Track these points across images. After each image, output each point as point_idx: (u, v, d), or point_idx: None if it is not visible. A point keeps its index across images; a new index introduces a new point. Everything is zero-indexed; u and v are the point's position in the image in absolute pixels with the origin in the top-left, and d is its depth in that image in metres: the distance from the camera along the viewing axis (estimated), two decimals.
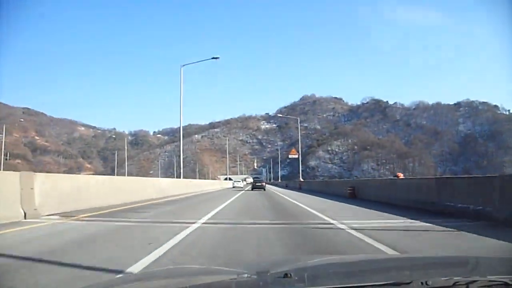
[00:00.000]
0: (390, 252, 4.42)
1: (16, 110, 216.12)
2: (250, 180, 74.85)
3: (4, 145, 66.73)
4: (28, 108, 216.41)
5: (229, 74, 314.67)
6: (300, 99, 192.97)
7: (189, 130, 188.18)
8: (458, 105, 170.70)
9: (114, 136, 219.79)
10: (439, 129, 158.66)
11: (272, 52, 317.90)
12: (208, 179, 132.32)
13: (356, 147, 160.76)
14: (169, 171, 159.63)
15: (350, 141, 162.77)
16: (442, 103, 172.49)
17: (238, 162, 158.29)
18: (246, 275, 1.46)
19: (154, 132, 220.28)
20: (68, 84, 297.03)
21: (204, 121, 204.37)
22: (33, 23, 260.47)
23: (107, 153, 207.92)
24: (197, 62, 27.36)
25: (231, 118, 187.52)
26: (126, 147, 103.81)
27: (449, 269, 1.58)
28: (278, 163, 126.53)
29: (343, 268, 1.75)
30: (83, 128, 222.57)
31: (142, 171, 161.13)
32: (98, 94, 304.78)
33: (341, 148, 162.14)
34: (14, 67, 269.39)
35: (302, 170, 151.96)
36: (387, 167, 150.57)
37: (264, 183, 32.87)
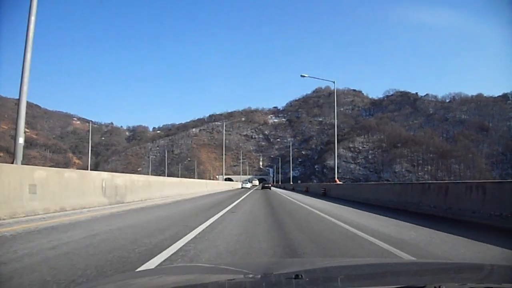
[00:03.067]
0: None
1: (8, 101, 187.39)
2: (256, 182, 77.27)
3: None
4: None
5: (233, 64, 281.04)
6: (313, 91, 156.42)
7: (187, 124, 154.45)
8: (504, 97, 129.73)
9: (110, 130, 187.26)
10: (488, 124, 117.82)
11: (280, 41, 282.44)
12: (205, 179, 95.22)
13: (384, 144, 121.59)
14: (159, 169, 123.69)
15: (375, 137, 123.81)
16: (484, 95, 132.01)
17: (241, 161, 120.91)
18: (257, 275, 1.36)
19: (154, 128, 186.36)
20: (66, 76, 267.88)
21: (203, 114, 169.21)
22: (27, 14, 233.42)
23: (100, 148, 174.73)
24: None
25: (235, 111, 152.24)
26: (90, 138, 66.16)
27: (462, 275, 1.43)
28: (290, 162, 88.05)
29: (354, 270, 1.60)
30: (78, 122, 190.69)
31: (129, 168, 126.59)
32: (97, 88, 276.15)
33: (365, 146, 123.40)
34: (11, 58, 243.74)
35: (317, 171, 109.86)
36: (426, 168, 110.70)
37: (270, 185, 45.12)
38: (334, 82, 23.97)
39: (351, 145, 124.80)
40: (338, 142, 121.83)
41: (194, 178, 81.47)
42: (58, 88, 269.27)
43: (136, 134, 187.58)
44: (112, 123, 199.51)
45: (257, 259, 3.46)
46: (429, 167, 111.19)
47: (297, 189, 36.06)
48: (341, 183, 22.60)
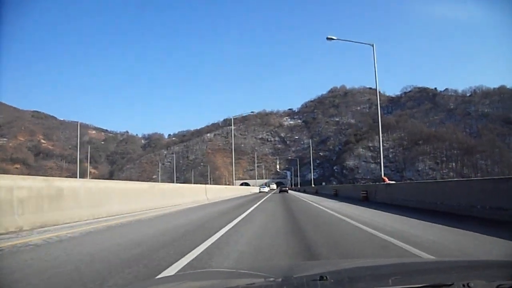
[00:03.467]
0: None
1: (25, 113, 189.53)
2: (274, 186, 76.84)
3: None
4: (38, 111, 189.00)
5: (246, 67, 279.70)
6: (329, 91, 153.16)
7: (201, 130, 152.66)
8: None
9: (125, 138, 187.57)
10: None
11: (294, 42, 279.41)
12: (221, 184, 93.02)
13: (405, 142, 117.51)
14: (174, 176, 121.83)
15: (395, 135, 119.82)
16: (508, 86, 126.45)
17: (257, 164, 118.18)
18: (278, 279, 1.35)
19: (169, 135, 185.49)
20: (81, 86, 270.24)
21: (218, 119, 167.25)
22: (45, 26, 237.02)
23: (116, 157, 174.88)
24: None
25: (250, 114, 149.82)
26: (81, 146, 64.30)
27: (490, 272, 1.39)
28: (310, 162, 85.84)
29: (378, 270, 1.55)
30: (94, 132, 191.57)
31: (144, 176, 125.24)
32: (112, 97, 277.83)
33: (385, 144, 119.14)
34: (25, 70, 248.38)
35: (336, 172, 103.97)
36: (450, 165, 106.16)
37: (287, 188, 48.27)
38: (373, 46, 18.84)
39: (370, 144, 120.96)
40: (356, 141, 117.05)
41: (208, 183, 77.45)
42: (74, 99, 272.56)
43: (152, 142, 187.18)
44: (127, 132, 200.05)
45: (279, 262, 3.37)
46: (454, 164, 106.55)
47: (322, 193, 29.28)
48: (392, 182, 16.57)
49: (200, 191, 17.37)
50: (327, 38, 19.12)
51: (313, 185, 53.29)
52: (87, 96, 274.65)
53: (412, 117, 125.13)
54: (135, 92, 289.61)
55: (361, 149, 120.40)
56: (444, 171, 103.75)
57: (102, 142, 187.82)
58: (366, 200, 14.81)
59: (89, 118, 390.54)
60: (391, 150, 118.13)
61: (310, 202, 15.63)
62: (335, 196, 21.85)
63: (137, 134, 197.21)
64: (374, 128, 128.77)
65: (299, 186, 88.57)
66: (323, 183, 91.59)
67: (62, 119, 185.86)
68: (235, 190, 30.72)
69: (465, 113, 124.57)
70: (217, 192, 21.46)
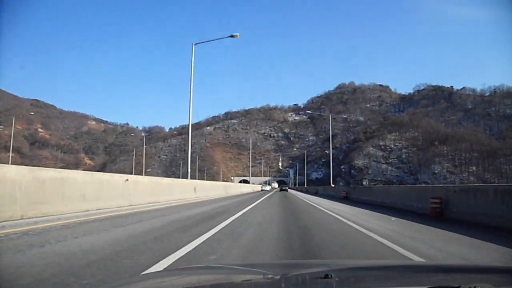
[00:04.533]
0: None
1: (24, 101, 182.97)
2: (275, 185, 74.37)
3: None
4: (37, 100, 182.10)
5: (250, 61, 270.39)
6: (336, 87, 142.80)
7: (201, 123, 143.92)
8: None
9: (125, 130, 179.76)
10: None
11: (298, 37, 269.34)
12: (217, 180, 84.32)
13: (419, 142, 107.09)
14: (170, 170, 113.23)
15: (408, 134, 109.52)
16: None
17: (258, 161, 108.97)
18: (285, 275, 1.28)
19: (170, 128, 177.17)
20: (83, 77, 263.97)
21: (219, 112, 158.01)
22: (46, 16, 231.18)
23: (114, 148, 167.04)
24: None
25: (253, 108, 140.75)
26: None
27: (496, 277, 1.33)
28: (330, 159, 75.90)
29: (383, 272, 1.47)
30: (94, 123, 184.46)
31: (137, 169, 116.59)
32: (114, 89, 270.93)
33: (398, 144, 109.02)
34: (26, 59, 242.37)
35: (344, 172, 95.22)
36: (470, 169, 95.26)
37: (287, 187, 48.92)
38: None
39: (381, 143, 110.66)
40: (366, 139, 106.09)
41: (205, 179, 72.32)
42: (76, 89, 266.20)
43: (152, 135, 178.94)
44: (127, 124, 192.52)
45: (278, 260, 3.11)
46: (474, 167, 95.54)
47: (328, 194, 24.15)
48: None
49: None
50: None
51: (332, 185, 48.49)
52: (89, 87, 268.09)
53: (426, 116, 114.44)
54: (137, 84, 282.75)
55: (371, 148, 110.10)
56: (464, 175, 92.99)
57: (103, 132, 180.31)
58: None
59: (89, 109, 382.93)
60: (404, 150, 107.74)
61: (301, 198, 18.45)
62: (345, 198, 20.53)
63: (137, 127, 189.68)
64: (385, 126, 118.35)
65: (305, 185, 79.10)
66: (340, 183, 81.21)
67: (61, 108, 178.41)
68: (242, 188, 30.74)
69: (484, 114, 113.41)
70: (209, 190, 18.92)
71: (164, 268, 2.77)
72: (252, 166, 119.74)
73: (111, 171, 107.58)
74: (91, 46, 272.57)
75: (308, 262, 2.62)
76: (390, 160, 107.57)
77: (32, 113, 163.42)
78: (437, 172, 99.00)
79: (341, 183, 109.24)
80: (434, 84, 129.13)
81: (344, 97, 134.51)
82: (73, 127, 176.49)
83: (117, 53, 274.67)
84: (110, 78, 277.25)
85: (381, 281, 1.25)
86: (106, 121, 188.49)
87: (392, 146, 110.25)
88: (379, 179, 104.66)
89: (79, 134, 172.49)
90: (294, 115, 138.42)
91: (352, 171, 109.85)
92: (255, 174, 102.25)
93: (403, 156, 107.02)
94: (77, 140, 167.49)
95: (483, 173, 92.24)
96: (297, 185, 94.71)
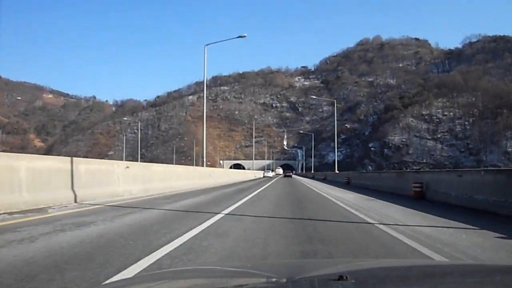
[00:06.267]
0: None
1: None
2: (280, 171, 63.26)
3: None
4: None
5: (246, 12, 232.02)
6: (357, 44, 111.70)
7: (181, 90, 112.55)
8: None
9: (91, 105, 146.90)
10: None
11: None
12: (201, 166, 51.61)
13: (476, 110, 78.01)
14: (137, 152, 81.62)
15: (462, 99, 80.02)
16: None
17: (257, 140, 78.89)
18: (291, 278, 1.15)
19: (146, 100, 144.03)
20: (38, 41, 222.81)
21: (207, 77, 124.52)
22: None
23: (75, 127, 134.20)
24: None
25: (249, 71, 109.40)
26: None
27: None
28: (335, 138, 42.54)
29: (398, 271, 1.34)
30: (50, 96, 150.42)
31: (95, 151, 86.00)
32: (77, 55, 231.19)
33: (448, 113, 79.51)
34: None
35: (373, 151, 68.23)
36: None
37: (291, 173, 49.49)
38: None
39: (425, 112, 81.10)
40: (404, 107, 70.56)
41: (187, 164, 57.93)
42: (28, 55, 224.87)
43: (126, 110, 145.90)
44: (94, 97, 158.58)
45: (283, 260, 2.70)
46: None
47: (336, 181, 22.02)
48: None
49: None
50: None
51: (337, 171, 30.44)
52: (45, 53, 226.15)
53: (486, 75, 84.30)
54: (106, 50, 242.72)
55: (411, 119, 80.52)
56: None
57: (62, 108, 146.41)
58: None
59: (46, 80, 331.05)
60: (457, 121, 78.32)
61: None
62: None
63: (107, 101, 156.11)
64: (430, 89, 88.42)
65: (312, 171, 55.33)
66: (370, 168, 53.17)
67: (7, 78, 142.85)
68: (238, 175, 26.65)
69: None
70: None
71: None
72: (247, 146, 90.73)
73: (59, 154, 77.42)
74: (47, 2, 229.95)
75: (317, 262, 2.40)
76: (439, 135, 78.05)
77: None
78: (510, 150, 70.25)
79: (369, 167, 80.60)
80: (491, 34, 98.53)
81: (368, 55, 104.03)
82: (23, 102, 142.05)
83: (83, 11, 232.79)
84: (73, 43, 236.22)
85: (398, 282, 1.11)
86: (67, 94, 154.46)
87: (441, 116, 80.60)
88: (424, 161, 75.76)
89: (30, 110, 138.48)
90: (302, 79, 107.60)
91: (385, 150, 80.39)
92: (251, 157, 72.38)
93: (458, 129, 77.69)
94: (27, 117, 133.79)
95: None
96: (304, 170, 68.75)
